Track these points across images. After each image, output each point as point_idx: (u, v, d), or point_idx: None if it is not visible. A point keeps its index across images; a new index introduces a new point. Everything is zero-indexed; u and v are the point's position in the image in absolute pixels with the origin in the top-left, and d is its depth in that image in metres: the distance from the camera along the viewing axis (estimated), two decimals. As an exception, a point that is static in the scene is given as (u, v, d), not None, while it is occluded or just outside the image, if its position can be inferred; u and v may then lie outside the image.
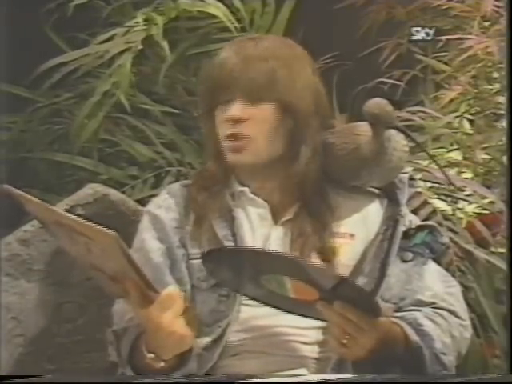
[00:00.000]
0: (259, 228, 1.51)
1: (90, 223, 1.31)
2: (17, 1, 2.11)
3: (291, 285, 1.38)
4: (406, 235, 1.50)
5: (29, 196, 1.36)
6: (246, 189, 1.53)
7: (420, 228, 1.51)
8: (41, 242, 1.72)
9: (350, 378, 1.30)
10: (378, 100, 1.46)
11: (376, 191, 1.55)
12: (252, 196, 1.52)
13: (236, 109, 1.49)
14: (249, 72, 1.49)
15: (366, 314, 1.36)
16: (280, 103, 1.49)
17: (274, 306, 1.42)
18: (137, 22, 2.07)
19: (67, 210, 1.70)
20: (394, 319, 1.45)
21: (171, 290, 1.36)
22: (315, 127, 1.51)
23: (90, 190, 1.75)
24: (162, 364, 1.38)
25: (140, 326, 1.40)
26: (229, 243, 1.48)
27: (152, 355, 1.37)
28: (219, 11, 2.04)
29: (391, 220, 1.51)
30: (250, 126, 1.49)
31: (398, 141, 1.47)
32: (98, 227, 1.30)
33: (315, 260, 1.47)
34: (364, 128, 1.49)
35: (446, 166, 1.60)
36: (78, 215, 1.69)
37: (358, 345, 1.38)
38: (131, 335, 1.43)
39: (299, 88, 1.50)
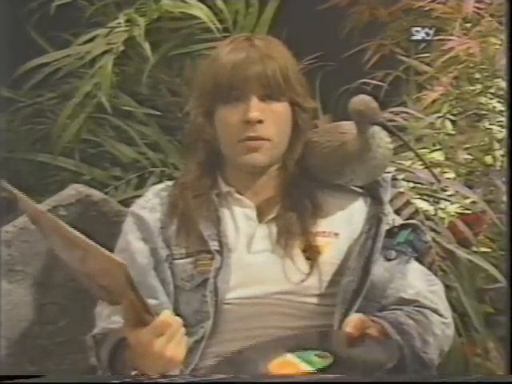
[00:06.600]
0: (244, 227, 1.50)
1: (98, 246, 1.27)
2: (-2, 0, 2.10)
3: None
4: (390, 234, 1.50)
5: (29, 201, 1.35)
6: (232, 189, 1.53)
7: (403, 226, 1.51)
8: (22, 242, 1.71)
9: (341, 378, 1.29)
10: (362, 97, 1.46)
11: (360, 190, 1.56)
12: (238, 196, 1.52)
13: (254, 109, 1.48)
14: (264, 70, 1.48)
15: None
16: (291, 102, 1.51)
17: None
18: (119, 23, 2.06)
19: (49, 211, 1.70)
20: (375, 318, 1.45)
21: (166, 315, 1.34)
22: (311, 125, 1.54)
23: (73, 191, 1.75)
24: None
25: (119, 332, 1.39)
26: (213, 243, 1.48)
27: (136, 371, 1.37)
28: (201, 12, 2.03)
29: (375, 218, 1.51)
30: (267, 128, 1.49)
31: (381, 138, 1.48)
32: (108, 253, 1.27)
33: (300, 258, 1.48)
34: (348, 126, 1.49)
35: (428, 167, 1.61)
36: (61, 216, 1.70)
37: None
38: (110, 342, 1.43)
39: (301, 86, 1.52)
